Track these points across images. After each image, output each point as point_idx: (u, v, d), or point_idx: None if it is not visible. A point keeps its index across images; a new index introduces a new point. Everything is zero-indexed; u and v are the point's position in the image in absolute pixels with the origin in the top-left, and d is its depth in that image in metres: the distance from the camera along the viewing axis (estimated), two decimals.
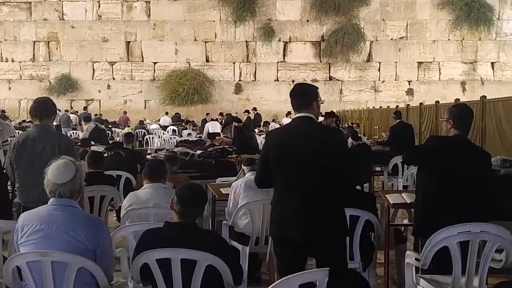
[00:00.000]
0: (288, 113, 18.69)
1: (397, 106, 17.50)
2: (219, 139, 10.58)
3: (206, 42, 24.37)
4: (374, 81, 24.25)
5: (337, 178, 3.04)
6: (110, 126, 18.53)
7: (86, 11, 24.43)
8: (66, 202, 2.81)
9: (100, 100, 24.81)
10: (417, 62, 24.01)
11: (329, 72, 24.30)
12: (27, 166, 3.95)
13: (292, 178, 3.04)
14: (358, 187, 4.40)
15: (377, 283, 4.41)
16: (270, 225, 3.25)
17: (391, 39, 23.98)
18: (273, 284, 2.28)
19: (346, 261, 3.37)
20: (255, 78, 24.43)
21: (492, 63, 23.87)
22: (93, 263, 2.74)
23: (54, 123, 6.84)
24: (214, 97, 24.21)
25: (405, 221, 5.48)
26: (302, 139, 3.04)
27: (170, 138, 14.80)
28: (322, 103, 3.25)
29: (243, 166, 5.11)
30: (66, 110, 22.19)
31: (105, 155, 7.34)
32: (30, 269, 2.71)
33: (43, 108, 4.11)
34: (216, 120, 16.73)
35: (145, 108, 24.75)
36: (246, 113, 17.93)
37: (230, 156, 8.32)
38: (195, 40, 24.33)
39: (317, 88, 3.26)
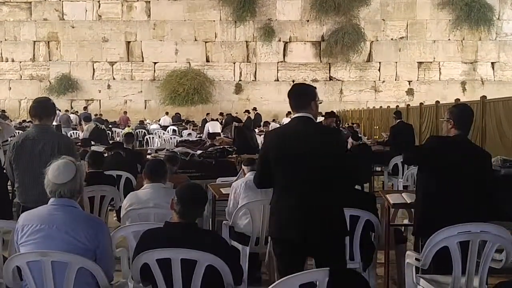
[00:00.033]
0: (288, 113, 18.65)
1: (397, 106, 17.51)
2: (219, 139, 10.58)
3: (206, 42, 24.37)
4: (374, 81, 24.25)
5: (336, 178, 3.05)
6: (110, 126, 18.52)
7: (86, 11, 24.43)
8: (66, 202, 2.81)
9: (100, 100, 24.81)
10: (417, 62, 24.00)
11: (329, 72, 24.29)
12: (26, 166, 3.94)
13: (291, 178, 3.03)
14: (358, 187, 4.40)
15: (377, 283, 4.41)
16: (269, 225, 3.25)
17: (391, 39, 23.97)
18: (273, 284, 2.28)
19: (345, 261, 3.36)
20: (255, 78, 24.42)
21: (492, 63, 23.86)
22: (93, 263, 2.73)
23: (54, 123, 6.84)
24: (214, 97, 24.21)
25: (405, 221, 5.49)
26: (301, 139, 3.04)
27: (170, 138, 14.78)
28: (321, 103, 3.24)
29: (243, 166, 5.11)
30: (66, 110, 22.17)
31: (105, 155, 7.35)
32: (30, 269, 2.71)
33: (42, 108, 4.10)
34: (216, 120, 16.72)
35: (145, 108, 24.75)
36: (246, 113, 17.94)
37: (230, 156, 8.32)
38: (195, 40, 24.33)
39: (315, 88, 3.25)
